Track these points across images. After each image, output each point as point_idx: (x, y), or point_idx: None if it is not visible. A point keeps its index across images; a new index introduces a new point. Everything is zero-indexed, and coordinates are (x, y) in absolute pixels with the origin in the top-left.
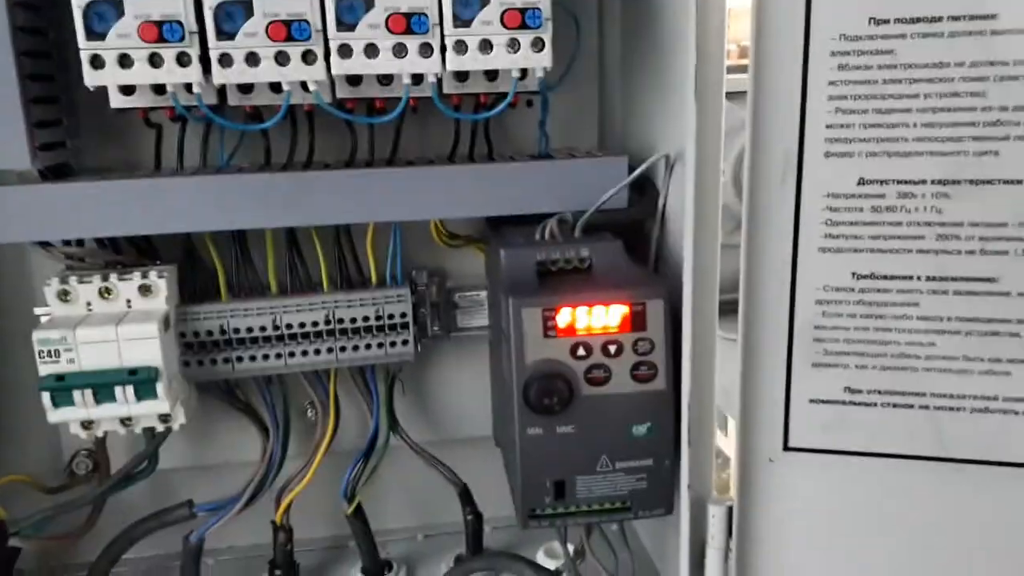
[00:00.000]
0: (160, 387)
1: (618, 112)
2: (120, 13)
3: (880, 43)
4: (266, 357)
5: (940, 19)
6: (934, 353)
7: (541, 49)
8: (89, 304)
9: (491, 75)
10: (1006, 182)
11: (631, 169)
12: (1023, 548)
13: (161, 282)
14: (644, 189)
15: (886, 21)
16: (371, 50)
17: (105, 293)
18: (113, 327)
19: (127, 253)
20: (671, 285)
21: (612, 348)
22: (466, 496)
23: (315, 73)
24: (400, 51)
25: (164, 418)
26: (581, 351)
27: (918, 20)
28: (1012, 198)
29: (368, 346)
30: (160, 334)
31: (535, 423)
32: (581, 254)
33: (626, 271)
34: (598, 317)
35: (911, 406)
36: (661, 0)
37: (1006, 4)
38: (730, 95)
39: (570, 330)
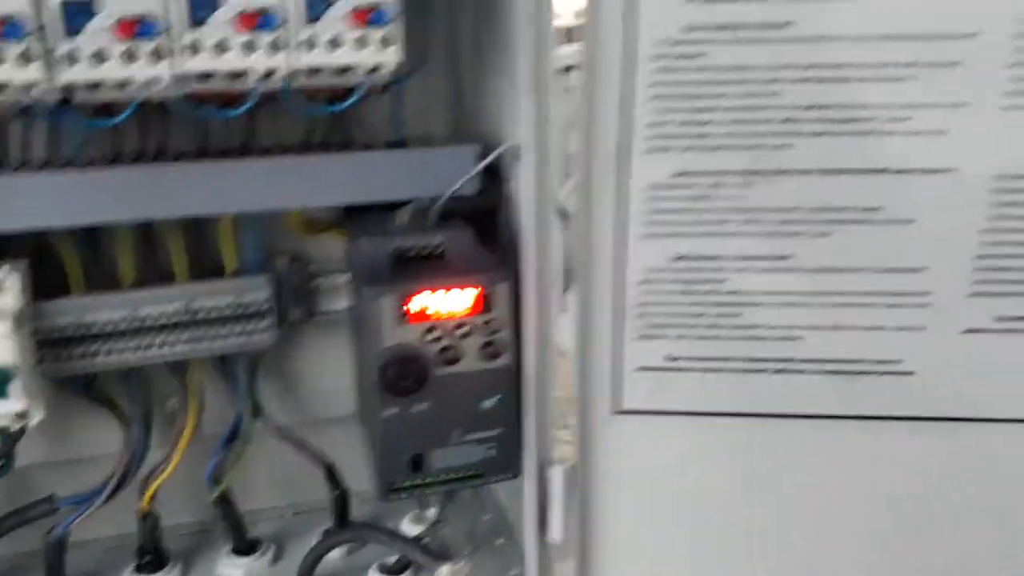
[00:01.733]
0: (14, 386)
1: (471, 100)
2: None
3: (694, 47)
4: (123, 350)
5: (743, 26)
6: (740, 323)
7: (389, 46)
8: None
9: (343, 69)
10: (799, 172)
11: (484, 156)
12: (822, 494)
13: (12, 278)
14: (496, 176)
15: (699, 28)
16: (220, 47)
17: None
18: None
19: None
20: (518, 268)
21: (462, 329)
22: (332, 474)
23: (163, 71)
24: (249, 48)
25: (20, 416)
26: (434, 334)
27: (725, 27)
28: (803, 186)
29: (227, 335)
30: (12, 332)
31: (392, 404)
32: (434, 241)
33: (476, 256)
34: (449, 301)
35: (722, 370)
36: None
37: (799, 14)
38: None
39: (422, 315)
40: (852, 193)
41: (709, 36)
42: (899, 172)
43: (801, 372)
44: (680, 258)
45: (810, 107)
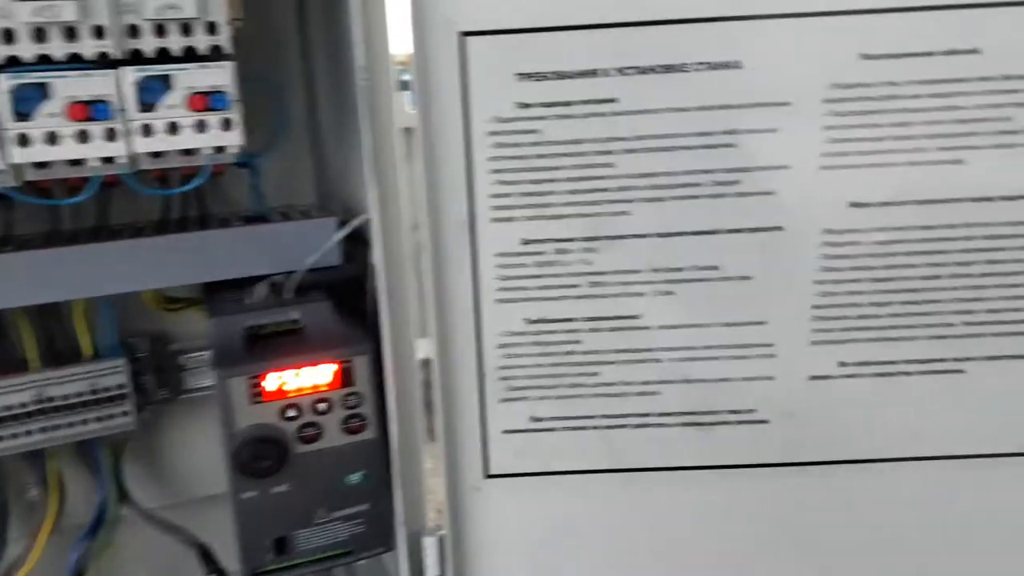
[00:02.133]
0: None
1: (335, 171)
2: None
3: (527, 124)
4: None
5: (572, 103)
6: (598, 381)
7: (230, 128)
8: None
9: (185, 152)
10: (636, 236)
11: (343, 227)
12: (689, 543)
13: None
14: (358, 244)
15: (530, 105)
16: (52, 138)
17: None
18: None
19: None
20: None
21: (322, 405)
22: (206, 554)
23: None
24: (84, 137)
25: None
26: (291, 412)
27: (555, 104)
28: (643, 249)
29: (85, 421)
30: None
31: (249, 486)
32: (291, 316)
33: (335, 330)
34: (307, 377)
35: (585, 428)
36: (347, 71)
37: (622, 90)
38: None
39: (279, 393)
40: (690, 254)
41: (541, 112)
42: (732, 232)
43: (660, 426)
44: (535, 321)
45: (643, 175)
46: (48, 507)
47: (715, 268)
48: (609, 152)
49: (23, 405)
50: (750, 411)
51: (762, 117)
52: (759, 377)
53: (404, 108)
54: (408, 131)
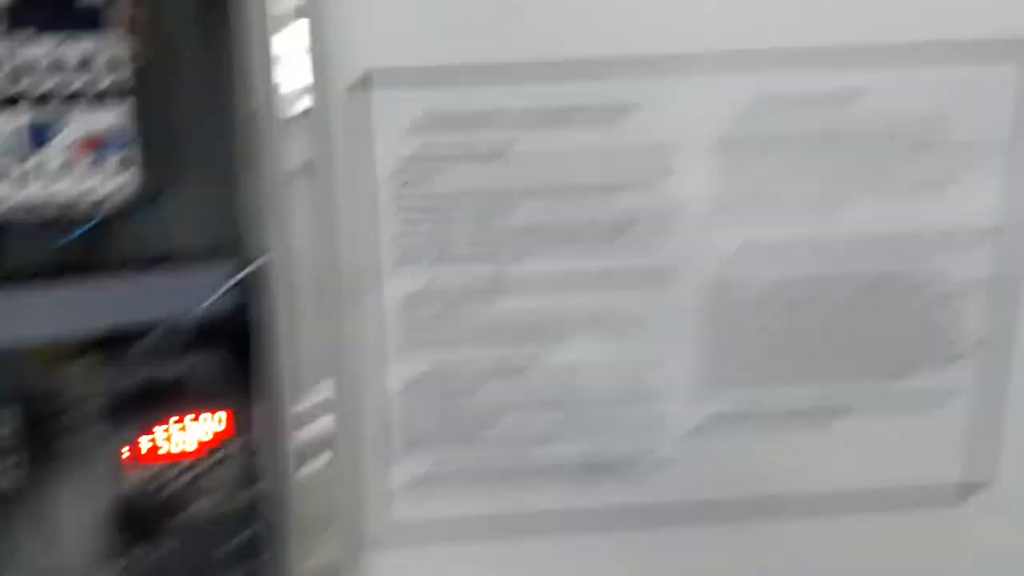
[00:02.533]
0: None
1: (238, 211)
2: None
3: (425, 169)
4: None
5: (473, 146)
6: (494, 431)
7: (125, 170)
8: None
9: (76, 199)
10: (534, 280)
11: (238, 272)
12: None
13: None
14: (260, 290)
15: (430, 150)
16: None
17: None
18: None
19: None
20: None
21: (205, 464)
22: None
23: None
24: None
25: None
26: (173, 472)
27: (455, 148)
28: (540, 293)
29: None
30: None
31: (128, 556)
32: (181, 369)
33: (228, 381)
34: (191, 434)
35: (483, 478)
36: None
37: (521, 134)
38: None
39: (157, 453)
40: (586, 298)
41: (440, 158)
42: (628, 273)
43: (553, 473)
44: (434, 369)
45: (540, 220)
46: None
47: (610, 312)
48: (507, 196)
49: None
50: (643, 454)
51: (654, 161)
52: (655, 420)
53: (300, 151)
54: (307, 174)
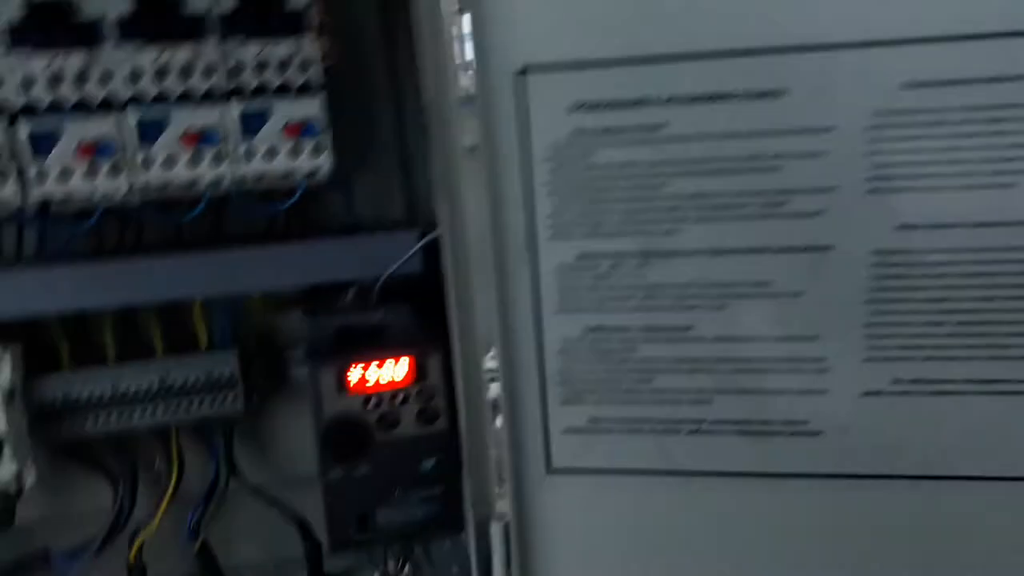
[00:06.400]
0: (6, 452)
1: (422, 187)
2: None
3: (582, 149)
4: (108, 419)
5: (624, 131)
6: (653, 387)
7: (320, 153)
8: None
9: (285, 175)
10: (688, 253)
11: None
12: (731, 544)
13: (5, 357)
14: (438, 256)
15: (584, 132)
16: (169, 162)
17: None
18: None
19: None
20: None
21: (400, 397)
22: (304, 529)
23: (120, 185)
24: (196, 161)
25: (15, 479)
26: (373, 402)
27: (608, 131)
28: (694, 265)
29: (201, 404)
30: (4, 405)
31: (336, 467)
32: (374, 318)
33: (414, 330)
34: (387, 371)
35: (641, 431)
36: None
37: (670, 117)
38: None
39: (362, 384)
40: (740, 270)
41: (595, 139)
42: (781, 251)
43: (713, 433)
44: (592, 330)
45: (691, 196)
46: (170, 479)
47: (765, 284)
48: (659, 175)
49: (149, 387)
50: (802, 422)
51: (807, 142)
52: (812, 391)
53: (469, 134)
54: (474, 154)
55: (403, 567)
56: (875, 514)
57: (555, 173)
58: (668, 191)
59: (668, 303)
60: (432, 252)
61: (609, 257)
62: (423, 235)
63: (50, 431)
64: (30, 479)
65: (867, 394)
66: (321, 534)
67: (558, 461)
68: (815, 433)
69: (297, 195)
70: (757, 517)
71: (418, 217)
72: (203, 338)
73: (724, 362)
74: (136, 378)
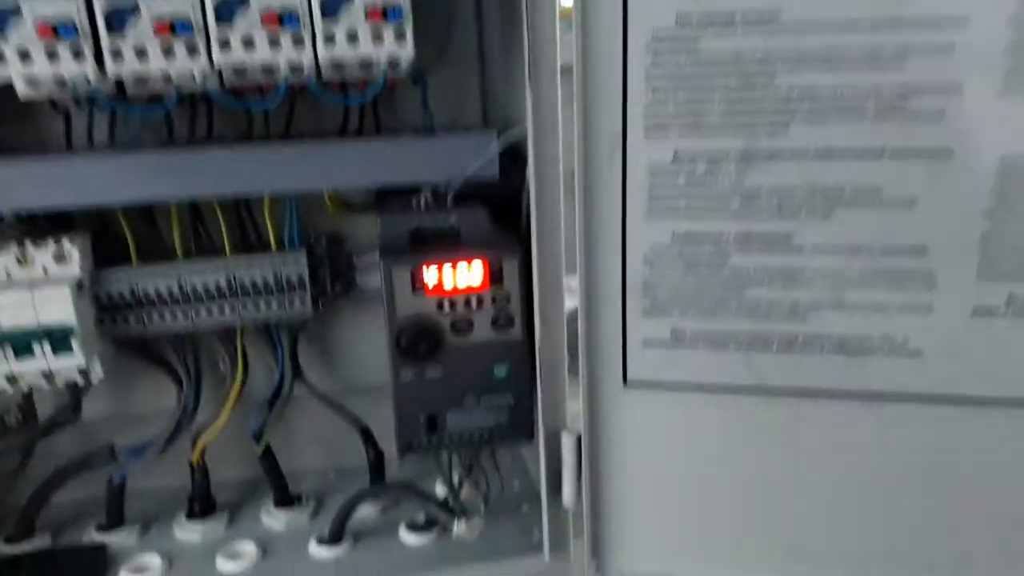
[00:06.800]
0: (75, 344)
1: (499, 89)
2: (18, 14)
3: (686, 39)
4: (174, 316)
5: (733, 18)
6: (744, 300)
7: (403, 40)
8: (7, 271)
9: (365, 62)
10: (794, 154)
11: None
12: (821, 465)
13: (74, 249)
14: (517, 160)
15: (689, 22)
16: (248, 44)
17: (22, 261)
18: (28, 291)
19: (42, 224)
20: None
21: (474, 302)
22: (367, 436)
23: (199, 65)
24: (275, 44)
25: (83, 372)
26: (446, 305)
27: (715, 18)
28: (800, 168)
29: (268, 305)
30: (73, 296)
31: (407, 368)
32: (450, 221)
33: (489, 235)
34: (461, 275)
35: (728, 345)
36: None
37: (788, 2)
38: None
39: (437, 287)
40: (850, 175)
41: (700, 26)
42: (897, 154)
43: (806, 349)
44: (681, 237)
45: (803, 91)
46: (235, 380)
47: (876, 191)
48: (768, 67)
49: (217, 285)
50: (903, 341)
51: (936, 34)
52: (916, 308)
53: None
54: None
55: (468, 474)
56: (977, 441)
57: (654, 63)
58: (777, 85)
59: (767, 209)
60: (510, 155)
61: (707, 157)
62: (501, 136)
63: (116, 326)
64: (97, 372)
65: (977, 313)
66: (384, 444)
67: (635, 374)
68: (916, 353)
69: (379, 85)
70: (848, 440)
71: (493, 121)
72: (272, 238)
73: (823, 274)
74: (203, 275)
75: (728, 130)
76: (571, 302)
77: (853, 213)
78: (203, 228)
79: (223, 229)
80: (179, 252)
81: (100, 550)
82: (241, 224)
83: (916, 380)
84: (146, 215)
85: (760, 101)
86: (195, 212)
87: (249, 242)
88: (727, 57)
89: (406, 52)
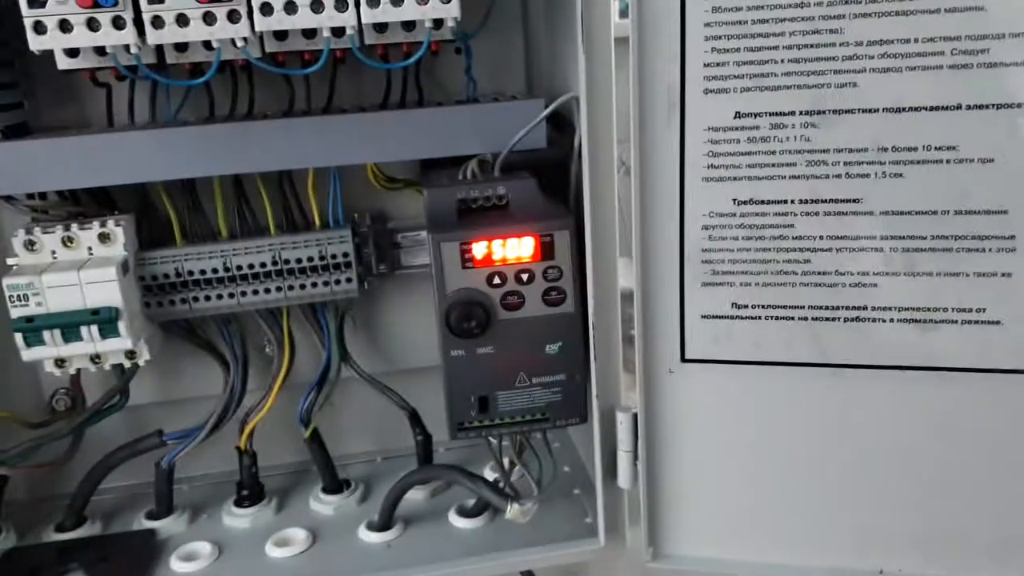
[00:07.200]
0: (122, 326)
1: (544, 56)
2: None
3: None
4: (220, 297)
5: None
6: (809, 269)
7: (449, 2)
8: (54, 252)
9: (408, 25)
10: (864, 111)
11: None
12: (890, 443)
13: (119, 230)
14: (564, 129)
15: None
16: (290, 7)
17: (67, 242)
18: (75, 272)
19: (87, 204)
20: (581, 216)
21: (525, 276)
22: (415, 419)
23: (241, 30)
24: (317, 6)
25: (130, 355)
26: (497, 280)
27: None
28: (870, 125)
29: (315, 284)
30: (119, 277)
31: (457, 346)
32: (498, 192)
33: (539, 206)
34: (511, 248)
35: (791, 318)
36: None
37: None
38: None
39: (486, 261)
40: (924, 131)
41: None
42: (975, 108)
43: (875, 321)
44: (743, 202)
45: (874, 43)
46: (281, 362)
47: (952, 148)
48: (837, 16)
49: (263, 265)
50: (979, 310)
51: None
52: (994, 274)
53: None
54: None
55: (519, 456)
56: None
57: (715, 15)
58: (845, 37)
59: (835, 171)
60: (556, 123)
61: (770, 116)
62: (549, 104)
63: (162, 308)
64: (145, 356)
65: None
66: (432, 427)
67: (693, 349)
68: (994, 322)
69: (425, 48)
70: (919, 417)
71: (537, 90)
72: (316, 217)
73: (895, 240)
74: (248, 255)
75: (792, 86)
76: (626, 274)
77: (926, 173)
78: (247, 208)
79: (267, 208)
80: (223, 232)
81: (150, 535)
82: (285, 203)
83: (994, 353)
84: (189, 195)
85: (827, 55)
86: (239, 191)
87: (293, 221)
88: (792, 6)
89: (451, 11)
